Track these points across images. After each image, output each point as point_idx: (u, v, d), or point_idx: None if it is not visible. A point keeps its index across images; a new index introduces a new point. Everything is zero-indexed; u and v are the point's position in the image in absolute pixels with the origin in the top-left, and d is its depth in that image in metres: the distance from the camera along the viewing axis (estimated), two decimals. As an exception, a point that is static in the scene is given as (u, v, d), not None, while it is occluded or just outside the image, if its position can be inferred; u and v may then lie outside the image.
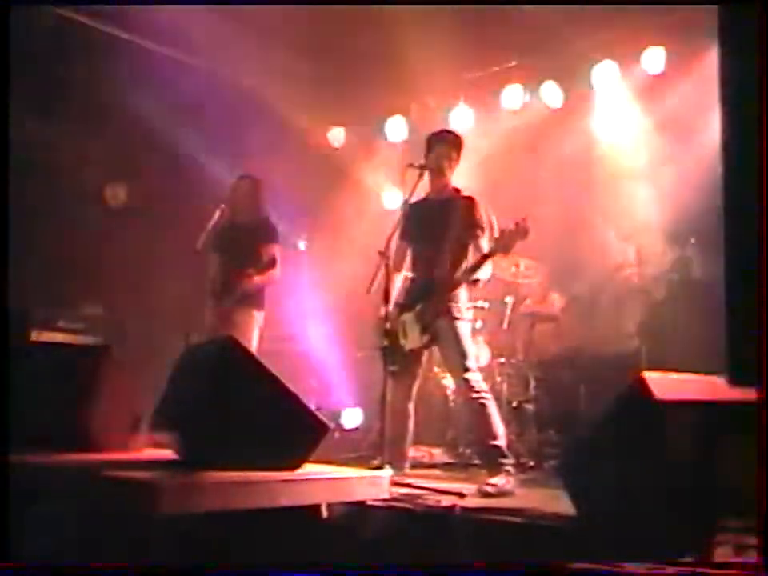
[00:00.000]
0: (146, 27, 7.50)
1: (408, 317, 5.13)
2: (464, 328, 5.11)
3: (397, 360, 4.93)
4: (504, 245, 4.90)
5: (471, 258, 5.16)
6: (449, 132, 5.52)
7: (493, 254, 4.98)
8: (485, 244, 5.11)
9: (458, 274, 5.10)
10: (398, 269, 5.32)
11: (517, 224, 4.81)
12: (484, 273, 5.14)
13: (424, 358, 5.26)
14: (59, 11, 7.24)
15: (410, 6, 6.90)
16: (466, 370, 4.98)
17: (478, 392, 4.94)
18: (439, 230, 5.17)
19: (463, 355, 5.01)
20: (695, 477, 3.07)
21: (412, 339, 5.11)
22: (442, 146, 5.29)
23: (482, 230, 5.16)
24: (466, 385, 4.95)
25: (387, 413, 4.73)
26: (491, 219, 5.22)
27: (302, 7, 7.00)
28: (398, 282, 5.32)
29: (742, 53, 2.01)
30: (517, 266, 7.00)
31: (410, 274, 5.39)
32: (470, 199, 5.25)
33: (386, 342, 4.86)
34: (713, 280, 5.55)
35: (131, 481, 3.21)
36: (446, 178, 5.30)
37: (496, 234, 5.07)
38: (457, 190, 5.33)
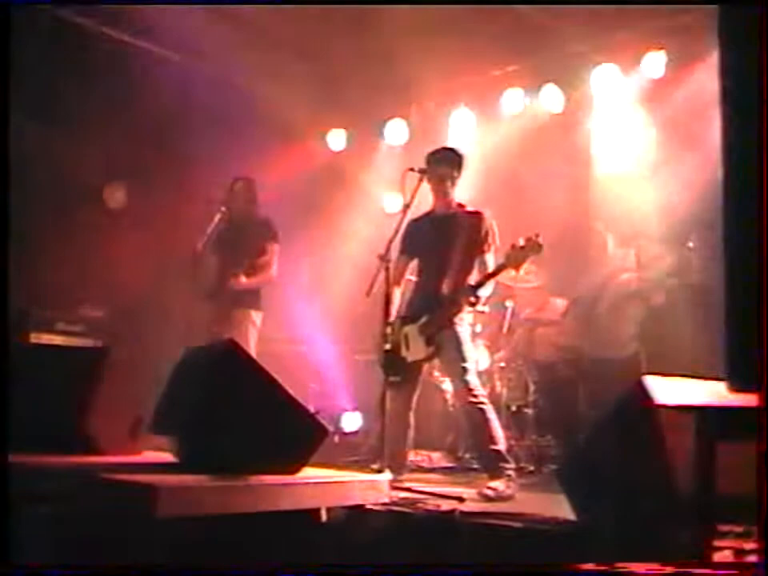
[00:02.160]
0: (145, 29, 7.51)
1: (411, 329, 5.15)
2: (464, 333, 5.12)
3: (398, 371, 4.95)
4: (515, 260, 4.90)
5: (477, 272, 5.16)
6: (447, 149, 5.50)
7: (503, 268, 4.98)
8: (490, 259, 5.13)
9: (465, 288, 5.08)
10: (398, 282, 5.34)
11: (528, 239, 4.80)
12: (485, 290, 5.14)
13: (424, 369, 5.28)
14: (59, 12, 7.24)
15: (411, 8, 6.90)
16: (466, 374, 4.99)
17: (476, 396, 4.95)
18: (444, 245, 5.19)
19: (463, 360, 5.02)
20: (694, 481, 3.06)
21: (415, 351, 5.13)
22: (441, 166, 5.28)
23: (488, 245, 5.18)
24: (466, 390, 4.97)
25: (387, 420, 4.76)
26: (494, 232, 5.24)
27: (302, 8, 6.99)
28: (398, 294, 5.32)
29: (743, 55, 2.01)
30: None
31: (411, 287, 5.40)
32: (476, 214, 5.25)
33: (386, 354, 4.90)
34: (712, 284, 5.54)
35: (131, 483, 3.21)
36: (448, 195, 5.33)
37: (497, 244, 5.09)
38: (461, 205, 5.33)
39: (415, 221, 5.40)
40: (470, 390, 4.96)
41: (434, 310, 5.09)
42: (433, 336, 5.07)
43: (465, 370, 5.01)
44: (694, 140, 6.73)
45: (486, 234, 5.19)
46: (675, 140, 7.20)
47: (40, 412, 4.02)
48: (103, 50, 7.54)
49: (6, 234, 3.42)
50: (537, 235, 4.80)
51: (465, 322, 5.19)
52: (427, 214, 5.43)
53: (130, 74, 7.58)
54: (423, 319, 5.12)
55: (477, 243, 5.16)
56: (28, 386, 4.06)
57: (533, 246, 4.80)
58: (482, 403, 4.95)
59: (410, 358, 5.13)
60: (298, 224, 8.89)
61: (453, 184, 5.33)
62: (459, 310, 5.08)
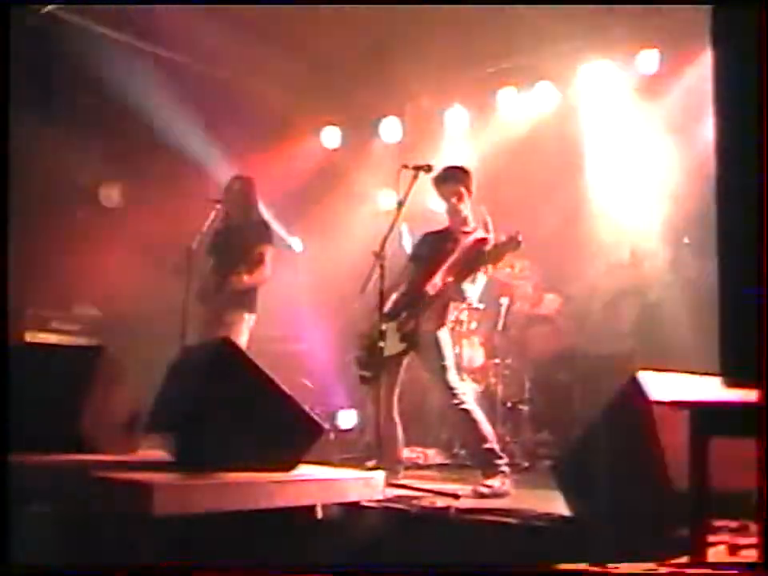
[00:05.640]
0: (141, 28, 7.50)
1: (390, 325, 5.15)
2: (443, 334, 5.13)
3: (371, 367, 4.97)
4: (495, 256, 4.95)
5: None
6: (452, 168, 5.43)
7: (483, 263, 4.99)
8: (482, 279, 5.15)
9: (447, 286, 5.10)
10: (398, 287, 5.37)
11: (510, 237, 4.84)
12: (473, 289, 5.15)
13: (403, 367, 5.26)
14: (56, 12, 7.22)
15: (405, 7, 6.90)
16: (446, 373, 5.00)
17: (456, 396, 4.96)
18: (442, 256, 5.21)
19: (442, 359, 5.03)
20: (689, 477, 3.07)
21: (390, 347, 5.13)
22: (447, 185, 5.30)
23: (485, 268, 5.18)
24: (447, 390, 4.98)
25: (380, 416, 4.78)
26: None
27: (297, 7, 6.99)
28: (394, 296, 5.34)
29: (736, 53, 2.02)
30: (512, 267, 7.00)
31: (402, 289, 5.40)
32: (483, 241, 5.22)
33: (366, 349, 4.93)
34: (707, 280, 5.56)
35: (127, 482, 3.21)
36: (460, 213, 5.33)
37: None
38: (475, 229, 5.32)
39: (428, 234, 5.50)
40: (450, 389, 4.97)
41: (413, 308, 5.11)
42: (409, 333, 5.09)
43: (444, 368, 5.02)
44: (688, 136, 6.75)
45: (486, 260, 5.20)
46: (669, 136, 7.22)
47: (35, 411, 4.02)
48: (101, 49, 7.52)
49: (5, 234, 3.42)
50: (517, 233, 4.84)
51: (445, 323, 5.21)
52: (442, 230, 5.46)
53: (125, 73, 7.56)
54: (402, 316, 5.14)
55: (474, 265, 5.15)
56: (23, 385, 4.06)
57: (512, 244, 4.84)
58: (463, 403, 4.95)
59: (384, 354, 5.13)
60: (292, 221, 8.91)
61: (463, 201, 5.32)
62: (437, 307, 5.11)
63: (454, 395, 4.95)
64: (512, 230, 4.87)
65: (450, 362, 5.08)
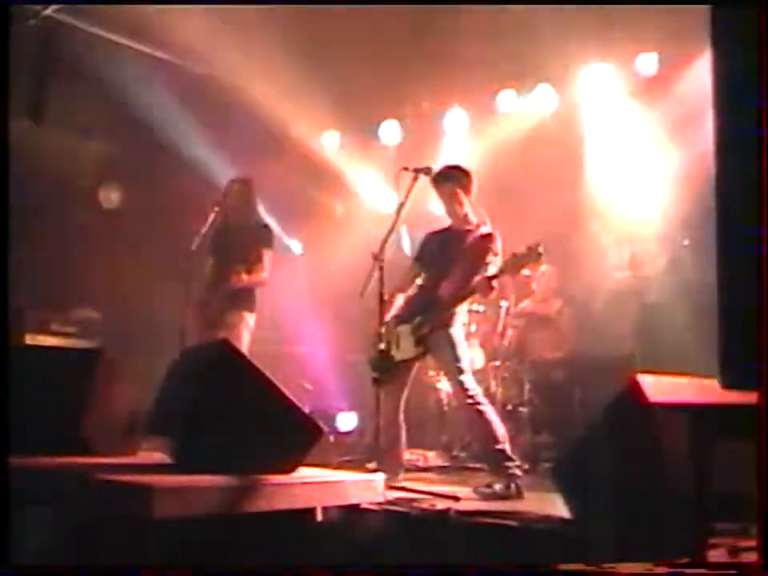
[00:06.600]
0: (141, 29, 7.50)
1: (403, 329, 5.15)
2: (458, 334, 5.12)
3: (385, 370, 4.95)
4: (513, 266, 4.92)
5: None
6: (450, 168, 5.40)
7: (500, 274, 4.97)
8: (493, 270, 5.11)
9: (463, 291, 5.10)
10: (404, 290, 5.38)
11: (529, 248, 4.80)
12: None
13: (414, 370, 5.26)
14: (56, 13, 7.23)
15: (405, 8, 6.90)
16: (461, 375, 4.99)
17: (472, 397, 4.94)
18: (452, 257, 5.18)
19: (457, 360, 5.02)
20: (689, 479, 3.07)
21: (404, 350, 5.12)
22: (443, 184, 5.27)
23: (495, 262, 5.15)
24: (462, 391, 4.96)
25: (382, 418, 4.77)
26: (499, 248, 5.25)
27: (297, 9, 6.99)
28: (400, 299, 5.34)
29: (735, 54, 2.01)
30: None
31: (413, 291, 5.39)
32: (488, 237, 5.22)
33: (377, 353, 4.91)
34: (706, 282, 5.56)
35: (126, 484, 3.21)
36: (459, 212, 5.30)
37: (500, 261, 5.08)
38: (478, 225, 5.31)
39: (432, 234, 5.46)
40: (466, 390, 4.96)
41: (429, 312, 5.10)
42: (424, 337, 5.08)
43: (460, 370, 5.01)
44: (687, 138, 6.74)
45: (495, 254, 5.16)
46: (669, 138, 7.22)
47: (35, 413, 4.01)
48: (100, 51, 7.53)
49: (5, 236, 3.41)
50: (538, 244, 4.79)
51: (458, 323, 5.20)
52: (445, 229, 5.44)
53: (126, 75, 7.56)
54: (417, 320, 5.13)
55: (483, 261, 5.13)
56: (23, 387, 4.05)
57: (532, 255, 4.81)
58: (479, 404, 4.94)
59: (398, 357, 5.13)
60: (292, 224, 8.91)
61: (459, 201, 5.29)
62: (452, 310, 5.10)
63: (470, 395, 4.95)
64: (532, 242, 4.82)
65: (465, 363, 5.07)
